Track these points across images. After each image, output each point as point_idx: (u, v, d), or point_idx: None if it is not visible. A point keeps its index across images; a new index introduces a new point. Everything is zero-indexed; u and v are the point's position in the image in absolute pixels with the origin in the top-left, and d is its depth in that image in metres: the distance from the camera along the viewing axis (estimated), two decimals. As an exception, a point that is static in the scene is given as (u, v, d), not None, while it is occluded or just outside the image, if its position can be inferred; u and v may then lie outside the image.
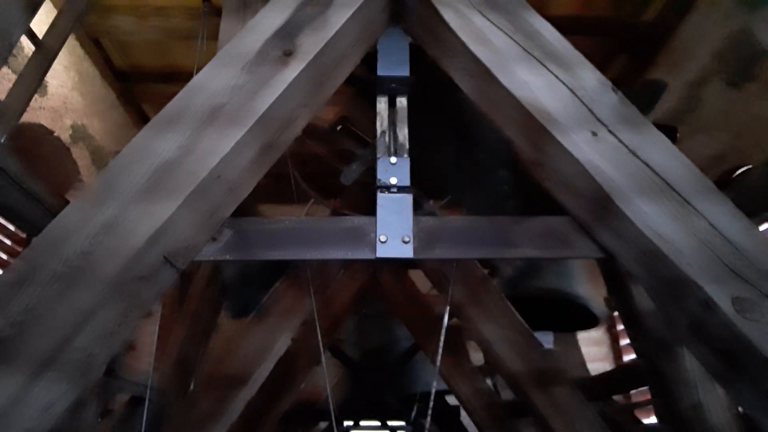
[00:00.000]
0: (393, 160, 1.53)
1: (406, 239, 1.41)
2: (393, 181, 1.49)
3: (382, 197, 1.48)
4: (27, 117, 3.38)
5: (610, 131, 1.34)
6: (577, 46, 1.48)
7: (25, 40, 3.21)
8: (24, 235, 3.81)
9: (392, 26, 1.70)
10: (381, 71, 1.65)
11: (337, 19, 1.46)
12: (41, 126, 3.85)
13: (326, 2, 1.49)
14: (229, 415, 2.40)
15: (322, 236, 1.44)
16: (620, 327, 6.36)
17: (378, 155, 1.55)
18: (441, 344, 2.01)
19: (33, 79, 2.97)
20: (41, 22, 3.11)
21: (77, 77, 4.18)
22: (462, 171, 2.82)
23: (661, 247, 1.20)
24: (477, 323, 2.72)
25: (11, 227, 3.75)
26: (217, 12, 3.34)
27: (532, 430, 3.22)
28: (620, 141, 1.33)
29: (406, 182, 1.50)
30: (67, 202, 2.18)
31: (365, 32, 1.61)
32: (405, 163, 1.53)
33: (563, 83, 1.40)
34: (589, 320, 3.04)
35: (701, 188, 1.27)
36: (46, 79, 3.38)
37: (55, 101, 3.95)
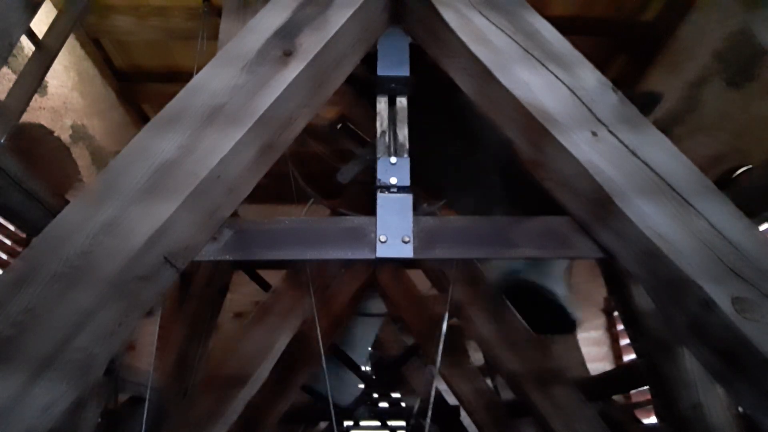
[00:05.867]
0: (393, 160, 1.53)
1: (406, 239, 1.41)
2: (393, 181, 1.49)
3: (382, 197, 1.47)
4: (27, 117, 3.38)
5: (610, 131, 1.34)
6: (577, 46, 1.47)
7: (25, 40, 3.21)
8: (24, 235, 3.81)
9: (392, 26, 1.70)
10: (381, 71, 1.64)
11: (337, 19, 1.46)
12: (41, 126, 3.85)
13: (326, 2, 1.49)
14: (229, 415, 2.41)
15: (322, 236, 1.43)
16: (620, 327, 6.35)
17: (378, 155, 1.55)
18: (441, 344, 2.01)
19: (33, 79, 2.97)
20: (41, 22, 3.11)
21: (77, 77, 4.18)
22: (460, 171, 2.82)
23: (661, 247, 1.20)
24: (477, 323, 2.72)
25: (11, 227, 3.75)
26: (217, 12, 3.35)
27: (532, 430, 3.22)
28: (620, 141, 1.33)
29: (406, 182, 1.50)
30: (67, 202, 2.18)
31: (365, 32, 1.60)
32: (405, 163, 1.53)
33: (563, 83, 1.40)
34: (565, 324, 2.74)
35: (701, 188, 1.27)
36: (46, 79, 3.38)
37: (55, 101, 3.95)
